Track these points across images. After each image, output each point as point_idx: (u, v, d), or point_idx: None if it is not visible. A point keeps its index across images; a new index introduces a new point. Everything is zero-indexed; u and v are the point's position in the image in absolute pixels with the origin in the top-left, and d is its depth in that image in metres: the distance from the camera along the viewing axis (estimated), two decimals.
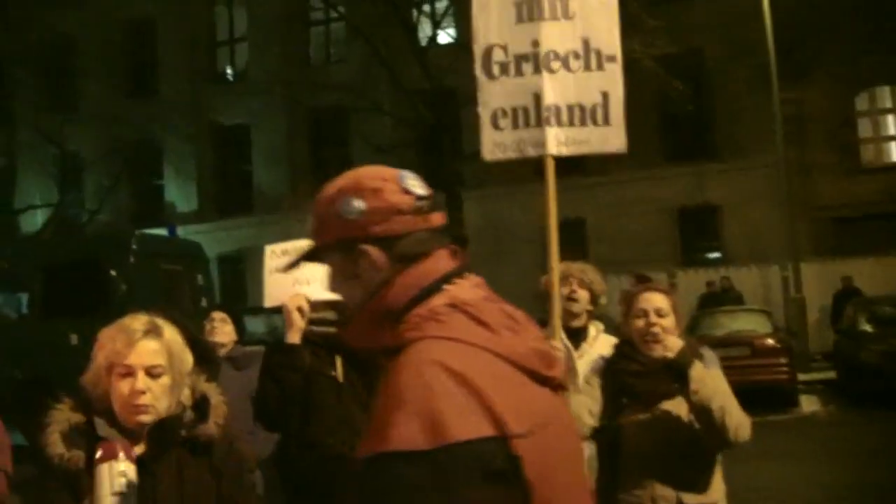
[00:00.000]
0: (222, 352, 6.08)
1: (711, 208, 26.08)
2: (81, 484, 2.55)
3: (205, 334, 6.03)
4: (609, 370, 3.86)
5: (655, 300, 3.79)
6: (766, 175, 23.67)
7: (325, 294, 4.12)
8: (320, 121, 30.24)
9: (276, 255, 4.50)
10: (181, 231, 22.81)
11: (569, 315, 4.63)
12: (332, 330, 4.19)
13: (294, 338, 4.17)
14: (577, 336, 4.75)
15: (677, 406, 3.67)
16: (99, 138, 31.06)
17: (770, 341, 16.28)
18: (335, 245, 1.86)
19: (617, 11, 4.09)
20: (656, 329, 3.72)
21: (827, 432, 13.52)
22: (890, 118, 26.34)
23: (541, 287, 4.54)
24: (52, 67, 32.75)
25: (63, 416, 2.63)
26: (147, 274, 14.93)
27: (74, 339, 13.73)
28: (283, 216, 29.41)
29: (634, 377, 3.74)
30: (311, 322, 4.21)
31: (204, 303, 15.73)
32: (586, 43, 4.10)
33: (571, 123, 4.14)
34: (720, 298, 20.78)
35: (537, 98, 4.17)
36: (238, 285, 28.94)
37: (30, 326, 15.23)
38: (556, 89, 4.13)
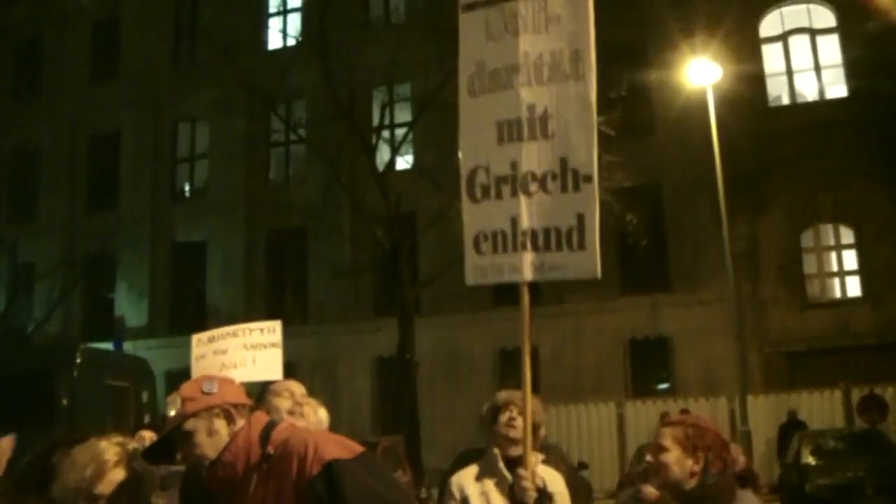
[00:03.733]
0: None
1: (663, 340, 26.27)
2: None
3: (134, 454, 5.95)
4: None
5: (660, 434, 3.71)
6: (719, 308, 23.94)
7: (251, 377, 4.17)
8: (279, 241, 30.33)
9: (202, 342, 4.55)
10: (131, 346, 22.62)
11: (507, 442, 4.61)
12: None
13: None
14: (515, 465, 4.72)
15: None
16: (54, 249, 30.96)
17: None
18: (201, 412, 2.85)
19: (595, 131, 4.07)
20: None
21: None
22: (833, 255, 26.91)
23: (483, 414, 4.55)
24: (13, 178, 32.80)
25: None
26: (92, 388, 14.75)
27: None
28: None
29: None
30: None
31: (147, 419, 15.50)
32: (564, 162, 4.06)
33: (547, 248, 4.07)
34: None
35: (514, 222, 4.14)
36: None
37: None
38: (532, 213, 4.09)
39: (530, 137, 4.14)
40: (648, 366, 26.47)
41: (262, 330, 4.31)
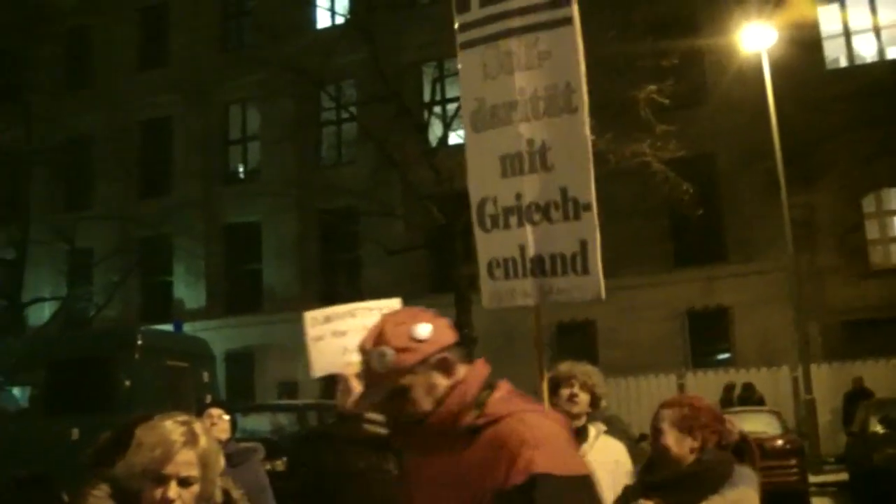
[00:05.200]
0: None
1: (721, 311, 25.98)
2: None
3: None
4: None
5: (658, 417, 3.86)
6: (777, 278, 23.67)
7: None
8: (331, 222, 30.43)
9: (318, 322, 4.42)
10: (188, 328, 22.79)
11: (568, 416, 4.59)
12: (382, 431, 4.13)
13: (353, 405, 4.05)
14: (576, 437, 4.70)
15: None
16: (111, 236, 31.36)
17: (780, 442, 16.02)
18: (417, 366, 2.39)
19: (590, 161, 4.20)
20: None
21: None
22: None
23: (539, 385, 4.56)
24: (69, 166, 33.28)
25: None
26: (152, 370, 14.82)
27: (76, 433, 13.58)
28: (292, 315, 29.45)
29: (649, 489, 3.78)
30: (364, 421, 4.15)
31: (208, 400, 15.60)
32: (564, 192, 4.23)
33: (553, 273, 4.26)
34: (741, 400, 20.61)
35: (522, 249, 4.34)
36: (245, 383, 28.80)
37: (32, 422, 15.08)
38: (538, 241, 4.29)
39: (531, 170, 4.32)
40: (707, 337, 26.19)
41: (381, 310, 4.22)
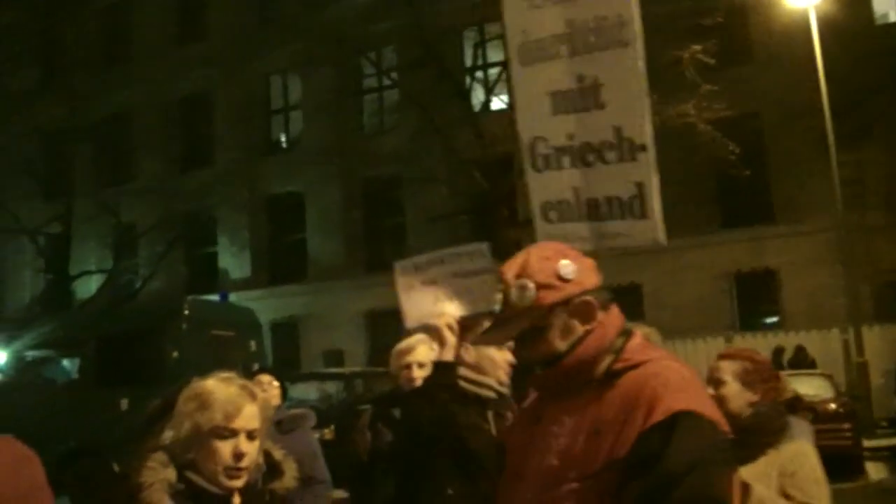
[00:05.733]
0: None
1: (769, 273, 25.64)
2: None
3: None
4: None
5: (718, 368, 3.78)
6: (826, 238, 23.32)
7: (472, 309, 3.99)
8: (374, 190, 30.38)
9: (407, 270, 4.29)
10: (233, 298, 22.89)
11: None
12: (483, 391, 4.05)
13: (448, 355, 3.91)
14: None
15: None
16: (154, 209, 31.55)
17: (833, 406, 15.79)
18: (558, 306, 2.28)
19: (647, 99, 4.02)
20: None
21: None
22: None
23: None
24: (111, 141, 33.53)
25: (160, 474, 2.64)
26: (199, 340, 14.90)
27: (125, 404, 13.69)
28: (337, 284, 29.52)
29: None
30: (462, 378, 4.06)
31: (255, 368, 15.65)
32: (619, 132, 4.04)
33: (611, 217, 4.10)
34: (792, 364, 20.36)
35: (576, 192, 4.18)
36: (290, 352, 28.94)
37: (81, 393, 15.23)
38: (592, 182, 4.11)
39: (584, 108, 4.12)
40: (755, 299, 25.88)
41: (470, 256, 4.09)
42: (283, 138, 34.12)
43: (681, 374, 2.18)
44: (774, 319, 25.74)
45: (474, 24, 26.93)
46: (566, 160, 4.17)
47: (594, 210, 4.12)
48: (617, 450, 2.08)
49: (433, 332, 3.97)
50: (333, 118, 30.29)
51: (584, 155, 4.12)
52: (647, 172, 4.00)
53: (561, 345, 2.25)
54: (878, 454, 17.44)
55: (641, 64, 4.07)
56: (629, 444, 2.06)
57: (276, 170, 32.21)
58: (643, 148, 4.00)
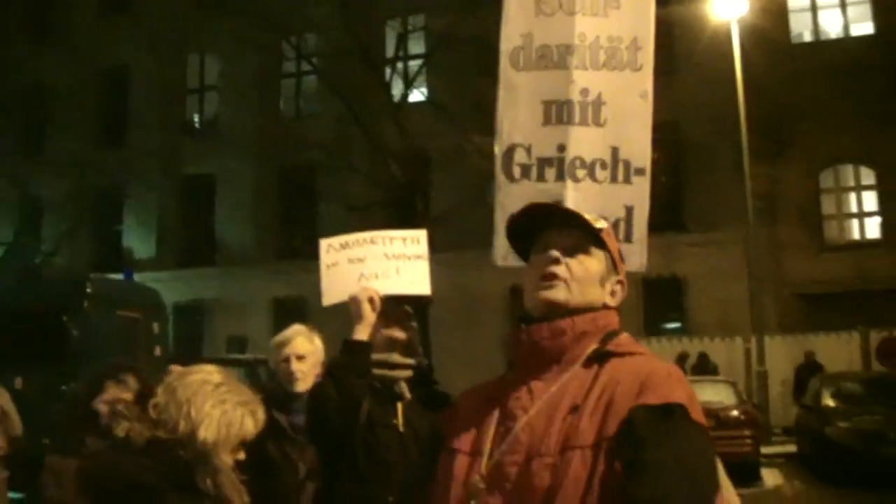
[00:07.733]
0: None
1: (677, 280, 25.99)
2: None
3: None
4: None
5: None
6: (735, 250, 23.76)
7: (398, 289, 3.84)
8: (290, 176, 30.01)
9: (333, 248, 4.12)
10: (138, 279, 22.36)
11: None
12: (395, 374, 3.96)
13: (363, 334, 3.82)
14: None
15: None
16: (64, 184, 30.70)
17: (735, 413, 16.06)
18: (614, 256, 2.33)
19: (650, 124, 3.96)
20: None
21: None
22: (853, 196, 26.55)
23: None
24: (27, 112, 32.53)
25: None
26: (103, 319, 14.47)
27: (18, 383, 13.17)
28: (246, 270, 29.09)
29: None
30: (373, 364, 3.88)
31: (158, 352, 15.28)
32: (615, 152, 3.94)
33: None
34: (695, 370, 20.72)
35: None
36: (194, 336, 28.45)
37: None
38: (578, 199, 3.88)
39: (581, 122, 3.95)
40: (662, 305, 26.23)
41: (404, 240, 3.96)
42: (196, 119, 33.48)
43: (678, 373, 2.16)
44: (680, 325, 26.12)
45: (398, 15, 26.76)
46: (551, 172, 3.98)
47: None
48: (599, 426, 2.04)
49: (352, 302, 3.84)
50: (252, 102, 29.85)
51: (574, 170, 3.96)
52: (641, 197, 3.93)
53: (576, 293, 2.22)
54: (773, 461, 17.80)
55: (650, 90, 4.04)
56: (616, 420, 2.02)
57: (190, 151, 31.63)
58: (641, 172, 3.93)
